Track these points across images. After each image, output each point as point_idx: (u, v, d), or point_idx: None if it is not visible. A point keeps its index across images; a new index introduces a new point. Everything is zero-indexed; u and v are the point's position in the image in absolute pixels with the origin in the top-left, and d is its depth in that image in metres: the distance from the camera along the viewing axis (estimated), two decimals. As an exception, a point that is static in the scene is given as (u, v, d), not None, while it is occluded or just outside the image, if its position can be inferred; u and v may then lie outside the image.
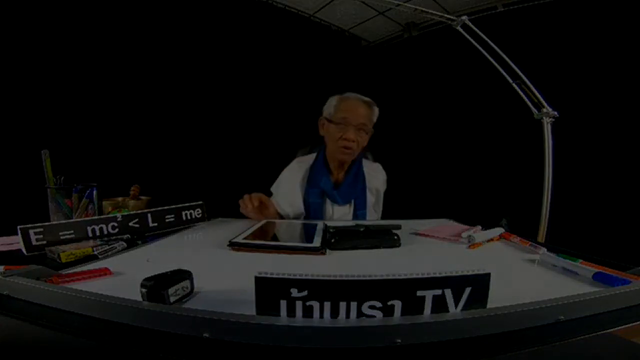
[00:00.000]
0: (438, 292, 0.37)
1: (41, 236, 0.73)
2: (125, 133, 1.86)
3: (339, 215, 1.20)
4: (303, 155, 1.33)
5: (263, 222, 0.98)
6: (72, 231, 0.77)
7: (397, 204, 1.39)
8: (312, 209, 1.17)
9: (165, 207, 0.94)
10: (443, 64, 2.40)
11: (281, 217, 1.19)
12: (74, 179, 0.98)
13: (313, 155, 1.26)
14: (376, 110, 1.20)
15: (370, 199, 1.24)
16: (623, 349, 0.38)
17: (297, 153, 1.37)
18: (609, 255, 0.61)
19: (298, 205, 1.19)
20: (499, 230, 0.83)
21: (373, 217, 1.26)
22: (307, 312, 0.37)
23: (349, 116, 1.14)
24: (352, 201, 1.20)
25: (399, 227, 0.83)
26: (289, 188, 1.21)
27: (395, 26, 2.48)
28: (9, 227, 0.76)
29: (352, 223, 0.91)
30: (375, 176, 1.27)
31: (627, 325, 0.38)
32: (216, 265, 0.66)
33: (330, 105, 1.20)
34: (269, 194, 1.22)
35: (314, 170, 1.21)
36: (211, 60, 2.16)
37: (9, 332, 0.41)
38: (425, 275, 0.37)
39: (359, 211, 1.20)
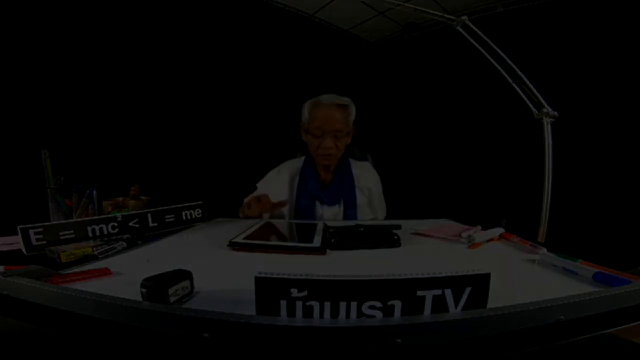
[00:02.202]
0: (438, 292, 0.37)
1: (41, 236, 0.73)
2: (125, 133, 1.86)
3: (329, 215, 1.21)
4: (301, 157, 1.33)
5: (263, 222, 0.98)
6: (72, 231, 0.77)
7: (397, 204, 1.39)
8: (303, 211, 1.19)
9: (165, 207, 0.94)
10: (443, 64, 2.40)
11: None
12: (74, 179, 0.98)
13: (303, 158, 1.28)
14: (352, 109, 1.19)
15: (360, 198, 1.24)
16: (623, 349, 0.38)
17: (297, 154, 1.37)
18: (609, 256, 0.61)
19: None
20: (499, 230, 0.83)
21: (368, 216, 1.26)
22: (307, 312, 0.37)
23: (323, 125, 1.14)
24: (342, 201, 1.21)
25: (399, 227, 0.83)
26: (275, 188, 1.22)
27: (395, 26, 2.48)
28: (9, 227, 0.76)
29: (352, 223, 0.91)
30: (364, 175, 1.27)
31: (627, 325, 0.38)
32: (216, 265, 0.66)
33: (305, 113, 1.20)
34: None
35: (303, 174, 1.23)
36: (211, 60, 2.16)
37: (9, 332, 0.41)
38: (425, 275, 0.37)
39: (349, 210, 1.21)
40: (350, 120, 1.18)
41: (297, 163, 1.29)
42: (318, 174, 1.23)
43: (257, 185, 1.28)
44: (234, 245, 0.73)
